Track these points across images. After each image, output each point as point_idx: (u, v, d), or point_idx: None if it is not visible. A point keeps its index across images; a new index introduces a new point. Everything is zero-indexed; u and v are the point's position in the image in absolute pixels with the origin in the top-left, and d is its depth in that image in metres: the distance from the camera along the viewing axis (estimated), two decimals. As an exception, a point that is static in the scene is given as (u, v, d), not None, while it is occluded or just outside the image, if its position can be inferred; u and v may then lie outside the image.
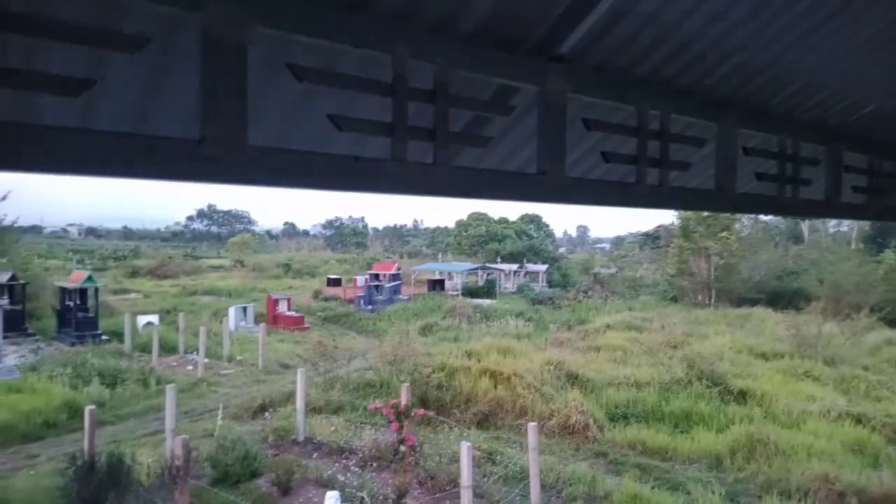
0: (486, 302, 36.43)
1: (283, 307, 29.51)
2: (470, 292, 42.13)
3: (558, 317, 32.43)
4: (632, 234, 78.39)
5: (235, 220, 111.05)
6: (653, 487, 10.52)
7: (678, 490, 10.60)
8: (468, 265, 50.00)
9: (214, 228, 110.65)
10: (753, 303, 37.10)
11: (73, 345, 21.52)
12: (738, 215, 43.38)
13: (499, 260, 52.52)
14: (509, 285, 48.06)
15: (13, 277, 24.36)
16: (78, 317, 23.18)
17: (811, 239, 56.09)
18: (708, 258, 42.20)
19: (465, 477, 8.31)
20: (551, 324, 29.22)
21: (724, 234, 41.40)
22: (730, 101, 3.92)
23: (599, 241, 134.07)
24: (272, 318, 27.75)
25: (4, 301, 20.77)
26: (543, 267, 51.88)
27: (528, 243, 60.60)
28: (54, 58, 2.16)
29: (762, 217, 52.23)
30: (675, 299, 43.81)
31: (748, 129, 4.18)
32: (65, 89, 1.92)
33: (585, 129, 3.08)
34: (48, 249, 57.54)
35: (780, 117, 4.35)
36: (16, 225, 35.38)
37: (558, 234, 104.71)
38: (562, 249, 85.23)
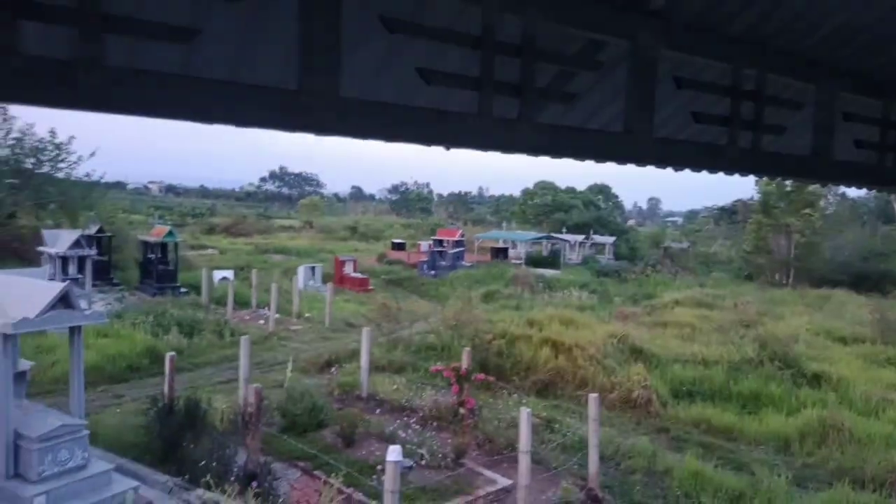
0: (549, 272, 36.09)
1: (349, 268, 30.19)
2: (533, 262, 41.81)
3: (624, 290, 31.80)
4: (707, 208, 75.21)
5: (305, 183, 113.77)
6: (716, 466, 10.30)
7: (742, 471, 10.34)
8: (533, 234, 49.50)
9: (285, 190, 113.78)
10: (835, 284, 35.16)
11: (154, 295, 22.81)
12: (823, 191, 40.99)
13: (564, 230, 51.68)
14: (574, 256, 47.37)
15: (100, 230, 25.87)
16: (159, 269, 24.49)
17: (904, 220, 52.33)
18: (789, 235, 40.20)
19: (524, 442, 8.36)
20: (616, 297, 28.70)
21: (807, 210, 39.25)
22: (830, 62, 3.63)
23: (671, 214, 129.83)
24: (338, 279, 28.46)
25: (93, 252, 22.08)
26: (611, 239, 50.73)
27: (596, 214, 59.25)
28: (162, 6, 2.21)
29: (850, 194, 49.11)
30: (750, 277, 42.10)
31: (849, 94, 3.88)
32: (174, 37, 1.97)
33: (675, 87, 2.93)
34: (131, 205, 60.70)
35: (884, 82, 4.01)
36: (102, 181, 37.49)
37: (628, 205, 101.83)
38: (631, 222, 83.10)
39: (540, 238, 48.32)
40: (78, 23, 1.85)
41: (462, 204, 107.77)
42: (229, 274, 26.01)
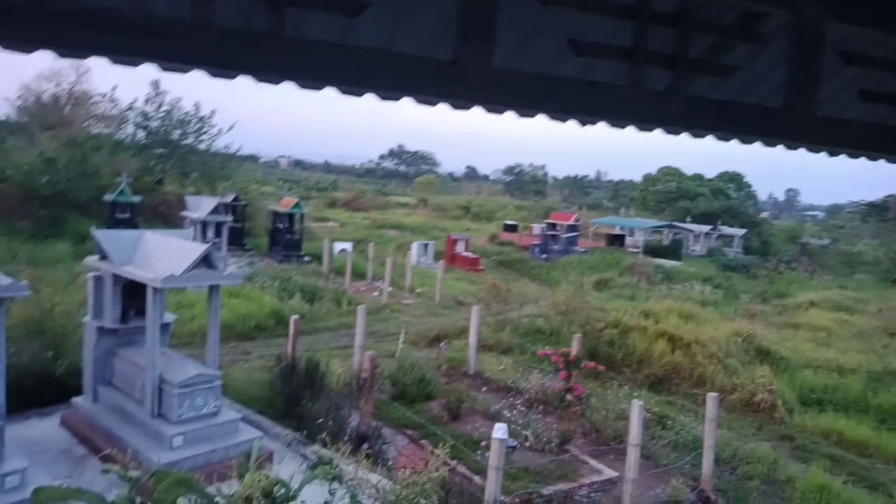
0: (669, 263, 34.51)
1: (460, 247, 30.53)
2: (652, 251, 40.13)
3: (752, 287, 29.80)
4: (852, 202, 68.13)
5: (422, 161, 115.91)
6: (845, 482, 9.50)
7: (877, 490, 9.45)
8: (653, 222, 47.43)
9: (402, 168, 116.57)
10: None
11: (280, 262, 24.33)
12: None
13: (688, 219, 49.00)
14: (698, 247, 44.91)
15: (236, 199, 27.90)
16: (286, 238, 26.08)
17: None
18: (951, 238, 35.73)
19: (634, 435, 8.11)
20: (743, 293, 26.97)
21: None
22: None
23: (811, 207, 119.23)
24: (450, 257, 28.88)
25: (229, 218, 23.90)
26: (740, 231, 47.47)
27: (725, 204, 55.62)
28: None
29: None
30: (898, 282, 37.97)
31: None
32: (346, 9, 2.03)
33: (843, 62, 2.64)
34: (263, 177, 64.80)
35: None
36: (239, 153, 40.33)
37: (762, 196, 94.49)
38: (765, 214, 77.18)
39: (661, 226, 46.19)
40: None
41: (578, 188, 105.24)
42: (348, 246, 27.17)
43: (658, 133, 2.55)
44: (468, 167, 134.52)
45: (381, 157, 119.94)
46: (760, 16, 2.49)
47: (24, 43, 1.93)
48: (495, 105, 2.25)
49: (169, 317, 9.04)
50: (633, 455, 8.09)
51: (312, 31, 2.20)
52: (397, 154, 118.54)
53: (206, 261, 7.93)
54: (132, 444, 7.46)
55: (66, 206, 25.23)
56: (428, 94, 2.18)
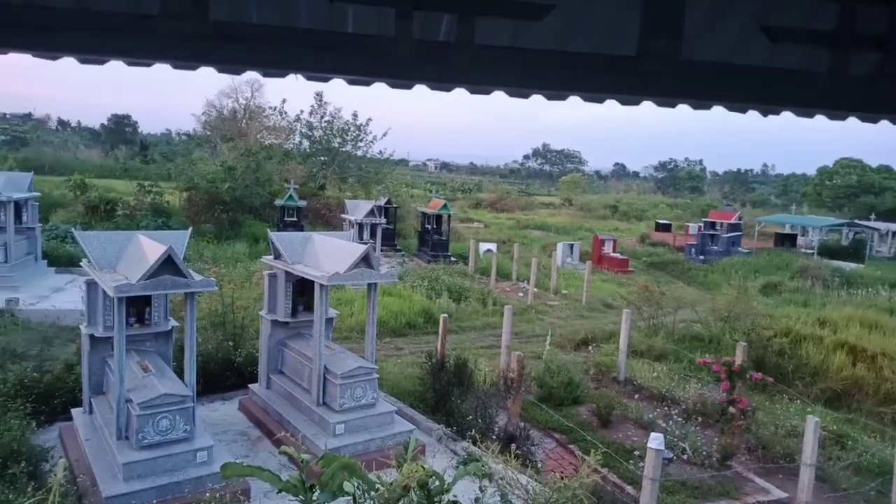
0: (849, 265, 30.83)
1: (608, 248, 29.61)
2: (829, 252, 36.13)
3: (953, 293, 25.74)
4: None
5: (567, 160, 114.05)
6: None
7: None
8: (829, 220, 42.66)
9: (547, 167, 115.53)
10: None
11: (428, 262, 25.19)
12: None
13: (873, 217, 43.42)
14: (884, 248, 39.65)
15: (389, 201, 29.33)
16: (434, 238, 26.94)
17: None
18: None
19: (808, 453, 7.38)
20: (942, 300, 23.36)
21: None
22: None
23: None
24: (597, 258, 28.11)
25: (383, 220, 25.20)
26: (937, 230, 41.26)
27: (917, 199, 48.71)
28: None
29: None
30: None
31: None
32: (529, 14, 2.08)
33: None
34: (412, 180, 67.50)
35: None
36: (391, 158, 42.36)
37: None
38: (967, 210, 66.46)
39: (839, 225, 41.40)
40: (457, 8, 2.05)
41: (740, 183, 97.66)
42: (493, 246, 27.45)
43: (852, 120, 2.30)
44: (616, 164, 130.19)
45: (526, 157, 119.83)
46: None
47: (237, 64, 2.19)
48: (675, 98, 2.16)
49: (332, 312, 9.72)
50: (806, 475, 7.37)
51: (488, 37, 2.24)
52: (542, 153, 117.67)
53: (365, 260, 8.42)
54: (300, 428, 8.13)
55: (242, 210, 28.10)
56: (602, 91, 2.14)
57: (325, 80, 2.26)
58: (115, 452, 6.90)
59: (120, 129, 77.45)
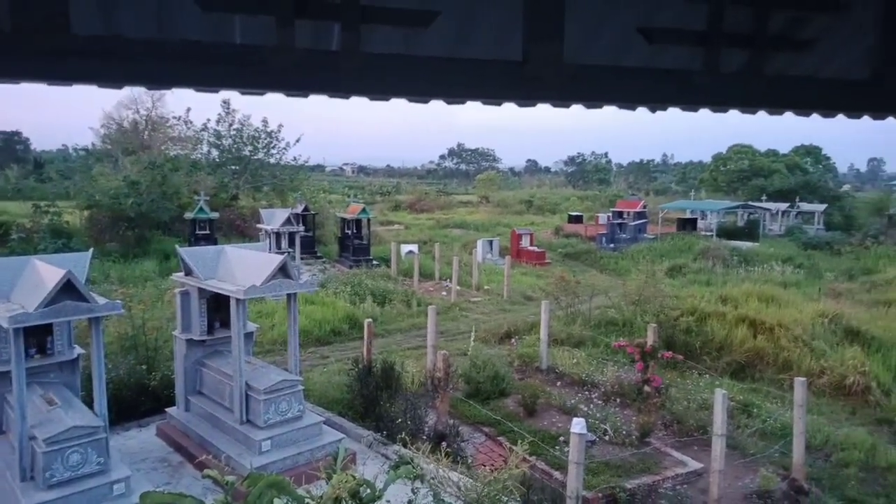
0: (745, 244, 33.10)
1: (525, 242, 30.35)
2: (727, 233, 38.60)
3: (837, 264, 28.18)
4: (945, 167, 63.36)
5: (482, 158, 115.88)
6: (956, 468, 8.87)
7: None
8: (725, 203, 45.51)
9: (463, 166, 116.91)
10: None
11: (350, 267, 24.96)
12: None
13: (764, 198, 46.79)
14: (776, 227, 42.83)
15: (306, 208, 28.83)
16: (354, 243, 26.72)
17: None
18: None
19: (719, 424, 7.88)
20: (827, 272, 25.54)
21: None
22: None
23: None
24: (515, 252, 28.76)
25: (301, 228, 24.73)
26: (821, 206, 44.92)
27: (803, 179, 52.80)
28: None
29: None
30: None
31: None
32: (416, 21, 2.12)
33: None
34: (329, 185, 66.52)
35: None
36: (306, 164, 41.59)
37: (842, 168, 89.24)
38: (846, 186, 72.86)
39: (734, 207, 44.31)
40: (340, 16, 2.06)
41: (643, 173, 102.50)
42: (414, 248, 27.54)
43: (733, 113, 2.51)
44: (529, 160, 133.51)
45: (442, 157, 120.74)
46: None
47: (112, 80, 2.11)
48: (565, 101, 2.27)
49: (251, 326, 9.48)
50: (718, 445, 7.87)
51: (380, 45, 2.29)
52: (457, 153, 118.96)
53: (282, 271, 8.26)
54: (224, 449, 7.88)
55: (149, 226, 26.79)
56: (496, 96, 2.22)
57: (215, 91, 2.23)
58: (20, 496, 6.44)
59: (9, 147, 72.07)
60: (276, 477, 4.29)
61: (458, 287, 20.84)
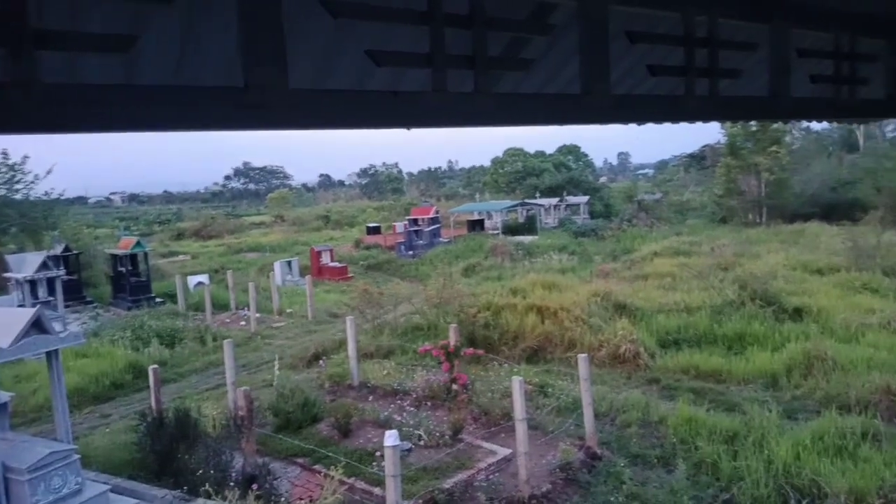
0: (527, 238, 36.24)
1: (326, 258, 29.97)
2: (511, 230, 41.91)
3: (602, 248, 32.10)
4: (676, 156, 76.16)
5: (271, 176, 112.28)
6: (708, 410, 10.51)
7: (734, 411, 10.56)
8: (507, 203, 49.48)
9: (252, 186, 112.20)
10: (807, 218, 35.97)
11: (129, 309, 22.41)
12: (788, 127, 41.68)
13: (538, 195, 51.75)
14: (550, 220, 47.55)
15: (67, 248, 25.24)
16: (131, 282, 24.04)
17: (867, 146, 53.47)
18: (758, 175, 40.99)
19: (519, 410, 8.41)
20: (596, 255, 28.96)
21: (773, 148, 39.92)
22: (781, -1, 3.58)
23: (642, 167, 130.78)
24: (317, 270, 28.25)
25: (62, 272, 21.53)
26: (584, 198, 50.96)
27: (568, 175, 59.38)
28: (95, 17, 2.15)
29: (814, 127, 50.04)
30: (724, 220, 42.89)
31: (802, 29, 3.85)
32: (110, 47, 1.91)
33: (629, 42, 2.87)
34: (95, 219, 59.32)
35: (834, 12, 3.98)
36: (63, 197, 36.47)
37: (598, 163, 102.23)
38: (603, 179, 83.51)
39: (514, 206, 48.35)
40: (6, 42, 1.73)
41: (433, 180, 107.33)
42: (204, 278, 25.66)
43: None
44: (322, 175, 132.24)
45: (227, 177, 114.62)
46: (550, 7, 2.63)
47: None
48: (298, 125, 2.21)
49: (4, 396, 7.98)
50: (521, 429, 8.39)
51: (86, 75, 2.09)
52: (244, 172, 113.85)
53: (37, 325, 7.09)
54: (-21, 550, 6.53)
55: None
56: (223, 124, 2.10)
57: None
58: None
59: None
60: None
61: (257, 314, 19.81)
